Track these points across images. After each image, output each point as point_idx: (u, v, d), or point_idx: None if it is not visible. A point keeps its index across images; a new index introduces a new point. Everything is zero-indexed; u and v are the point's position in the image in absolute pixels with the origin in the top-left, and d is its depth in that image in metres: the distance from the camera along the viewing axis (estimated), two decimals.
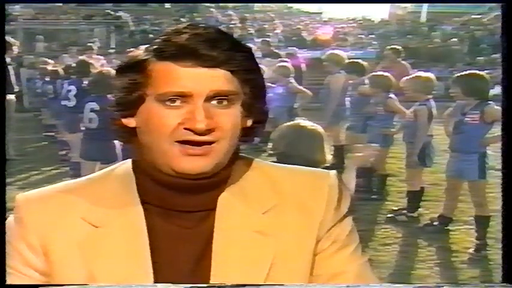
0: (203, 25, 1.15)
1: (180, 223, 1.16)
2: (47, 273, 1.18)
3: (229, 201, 1.17)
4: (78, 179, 1.25)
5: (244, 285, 1.14)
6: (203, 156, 1.12)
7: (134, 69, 1.15)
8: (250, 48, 1.18)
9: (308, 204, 1.19)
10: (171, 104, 1.11)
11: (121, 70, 1.18)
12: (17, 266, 1.19)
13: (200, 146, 1.11)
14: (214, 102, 1.12)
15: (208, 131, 1.11)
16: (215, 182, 1.16)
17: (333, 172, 1.24)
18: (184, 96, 1.11)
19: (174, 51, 1.11)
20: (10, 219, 1.22)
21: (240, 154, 1.21)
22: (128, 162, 1.22)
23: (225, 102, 1.12)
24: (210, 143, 1.12)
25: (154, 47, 1.14)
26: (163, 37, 1.14)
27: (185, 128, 1.11)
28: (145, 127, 1.14)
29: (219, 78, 1.11)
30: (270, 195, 1.19)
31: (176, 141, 1.12)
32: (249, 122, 1.18)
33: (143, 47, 1.17)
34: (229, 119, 1.13)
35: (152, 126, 1.13)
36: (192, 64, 1.10)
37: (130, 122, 1.17)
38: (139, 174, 1.19)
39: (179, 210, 1.16)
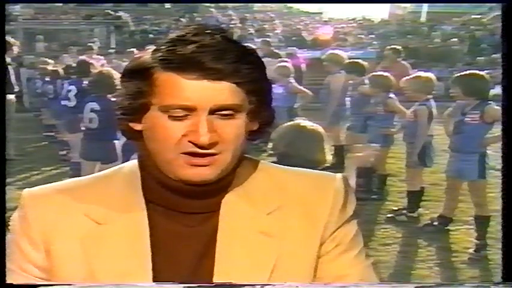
0: (209, 31, 1.12)
1: (184, 222, 1.16)
2: (48, 269, 1.18)
3: (234, 201, 1.17)
4: (85, 177, 1.26)
5: (247, 284, 1.14)
6: (207, 166, 1.12)
7: (140, 76, 1.14)
8: (257, 55, 1.16)
9: (313, 206, 1.19)
10: (175, 115, 1.11)
11: (126, 75, 1.17)
12: (18, 262, 1.19)
13: (204, 157, 1.11)
14: (218, 114, 1.11)
15: (212, 145, 1.10)
16: (219, 187, 1.16)
17: (339, 175, 1.24)
18: (188, 109, 1.10)
19: (180, 62, 1.10)
20: (15, 214, 1.22)
21: (245, 155, 1.21)
22: (135, 161, 1.22)
23: (229, 114, 1.12)
24: (214, 154, 1.12)
25: (160, 54, 1.12)
26: (169, 45, 1.12)
27: (189, 141, 1.11)
28: (151, 135, 1.14)
29: (223, 92, 1.10)
30: (275, 197, 1.19)
31: (181, 153, 1.11)
32: (255, 126, 1.18)
33: (149, 50, 1.16)
34: (233, 130, 1.12)
35: (157, 136, 1.13)
36: (197, 77, 1.09)
37: (136, 125, 1.17)
38: (145, 173, 1.19)
39: (183, 212, 1.17)
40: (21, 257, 1.19)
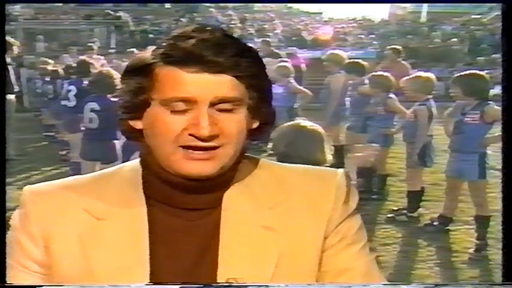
0: (210, 28, 1.14)
1: (185, 217, 1.17)
2: (47, 265, 1.19)
3: (235, 196, 1.18)
4: (87, 175, 1.26)
5: (240, 284, 1.13)
6: (208, 160, 1.12)
7: (140, 72, 1.15)
8: (257, 53, 1.17)
9: (315, 200, 1.19)
10: (176, 109, 1.11)
11: (128, 73, 1.18)
12: (18, 258, 1.20)
13: (204, 151, 1.12)
14: (218, 107, 1.12)
15: (212, 137, 1.11)
16: (221, 182, 1.17)
17: (341, 170, 1.24)
18: (188, 102, 1.11)
19: (180, 56, 1.11)
20: (16, 211, 1.23)
21: (246, 154, 1.21)
22: (137, 160, 1.23)
23: (229, 108, 1.12)
24: (214, 148, 1.12)
25: (161, 51, 1.14)
26: (170, 41, 1.14)
27: (189, 134, 1.11)
28: (151, 130, 1.15)
29: (224, 85, 1.11)
30: (277, 191, 1.19)
31: (180, 146, 1.12)
32: (255, 124, 1.19)
33: (150, 49, 1.17)
34: (234, 124, 1.13)
35: (157, 131, 1.13)
36: (198, 70, 1.10)
37: (137, 124, 1.18)
38: (146, 170, 1.20)
39: (184, 208, 1.17)
40: (21, 253, 1.20)
